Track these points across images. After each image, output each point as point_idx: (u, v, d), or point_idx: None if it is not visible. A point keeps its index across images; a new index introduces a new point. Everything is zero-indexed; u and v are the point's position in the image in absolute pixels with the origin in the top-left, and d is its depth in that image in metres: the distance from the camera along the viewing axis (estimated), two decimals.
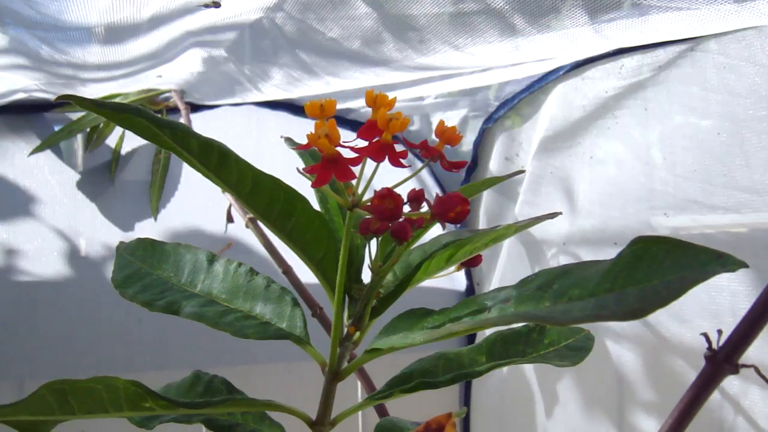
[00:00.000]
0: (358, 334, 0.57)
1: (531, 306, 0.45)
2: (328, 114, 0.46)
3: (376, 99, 0.47)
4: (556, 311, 0.42)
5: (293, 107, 1.64)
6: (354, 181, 0.48)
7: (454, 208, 0.45)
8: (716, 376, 0.46)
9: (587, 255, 1.32)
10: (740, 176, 1.01)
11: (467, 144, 1.70)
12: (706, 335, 0.46)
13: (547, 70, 1.34)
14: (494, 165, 1.61)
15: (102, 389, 0.50)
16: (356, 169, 0.47)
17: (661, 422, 1.09)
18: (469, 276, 1.75)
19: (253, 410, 0.63)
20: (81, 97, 0.46)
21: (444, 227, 0.48)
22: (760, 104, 0.97)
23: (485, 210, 1.68)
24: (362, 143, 0.47)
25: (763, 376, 0.45)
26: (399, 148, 0.48)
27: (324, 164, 0.45)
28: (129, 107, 0.46)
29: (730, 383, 1.04)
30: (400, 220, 0.46)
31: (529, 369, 1.52)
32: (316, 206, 0.60)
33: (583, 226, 1.32)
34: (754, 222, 1.00)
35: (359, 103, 1.59)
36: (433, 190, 1.76)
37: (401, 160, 0.46)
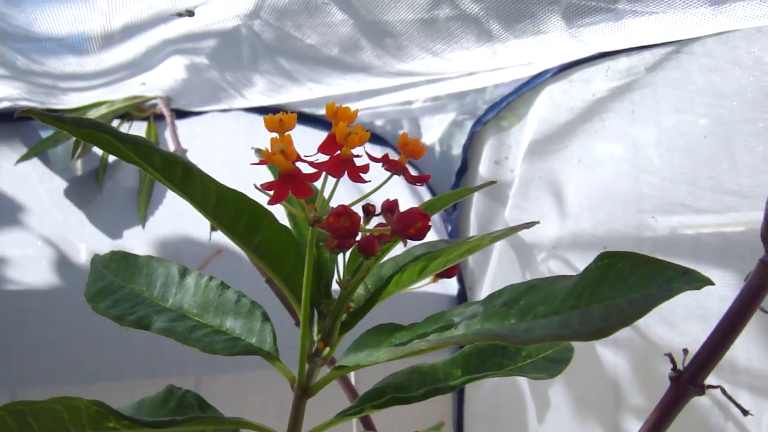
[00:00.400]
0: (327, 349, 0.56)
1: (496, 323, 0.44)
2: (287, 128, 0.45)
3: (337, 111, 0.46)
4: (519, 330, 0.41)
5: (281, 112, 1.63)
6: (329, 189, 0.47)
7: (414, 224, 0.44)
8: (681, 397, 0.44)
9: (576, 259, 1.32)
10: (727, 179, 1.00)
11: (457, 147, 1.70)
12: (670, 355, 0.45)
13: (534, 73, 1.34)
14: (483, 168, 1.60)
15: (63, 410, 0.49)
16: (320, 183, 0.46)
17: None
18: (461, 281, 1.75)
19: (222, 428, 0.61)
20: (41, 112, 0.45)
21: (405, 244, 0.47)
22: (746, 106, 0.97)
23: (476, 214, 1.67)
24: (322, 157, 0.46)
25: (729, 397, 0.44)
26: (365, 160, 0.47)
27: (281, 181, 0.44)
28: (89, 122, 0.46)
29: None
30: (358, 237, 0.45)
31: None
32: (285, 221, 0.58)
33: (573, 229, 1.31)
34: (741, 225, 1.00)
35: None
36: (425, 196, 1.75)
37: (361, 174, 0.44)
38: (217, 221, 0.52)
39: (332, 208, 0.45)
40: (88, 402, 0.49)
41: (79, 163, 1.59)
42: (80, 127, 0.45)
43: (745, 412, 0.45)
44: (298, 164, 0.45)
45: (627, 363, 1.22)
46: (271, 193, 0.44)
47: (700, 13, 0.79)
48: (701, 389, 0.44)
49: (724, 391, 0.43)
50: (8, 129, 1.53)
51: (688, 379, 0.44)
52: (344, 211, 0.44)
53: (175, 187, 0.50)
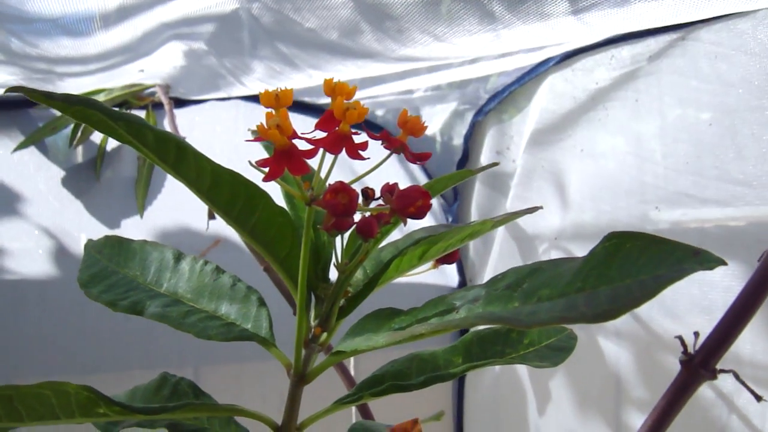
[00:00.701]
0: (324, 335, 0.55)
1: (499, 306, 0.43)
2: (284, 104, 0.44)
3: (334, 88, 0.44)
4: (523, 312, 0.40)
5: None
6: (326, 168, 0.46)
7: (414, 203, 0.43)
8: (692, 382, 0.43)
9: (579, 250, 1.30)
10: (733, 169, 0.99)
11: (458, 137, 1.68)
12: (680, 338, 0.43)
13: (536, 61, 1.32)
14: (485, 158, 1.59)
15: (51, 395, 0.48)
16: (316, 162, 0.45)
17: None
18: (461, 271, 1.73)
19: (217, 414, 0.60)
20: (31, 89, 0.43)
21: (405, 223, 0.46)
22: (753, 94, 0.95)
23: (477, 205, 1.66)
24: (321, 134, 0.44)
25: (743, 382, 0.43)
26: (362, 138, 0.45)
27: (277, 157, 0.42)
28: (80, 99, 0.44)
29: (724, 381, 1.02)
30: (359, 215, 0.44)
31: (522, 368, 1.50)
32: (282, 203, 0.57)
33: (575, 220, 1.30)
34: (747, 215, 0.98)
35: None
36: (420, 178, 1.74)
37: (360, 151, 0.43)
38: (213, 202, 0.51)
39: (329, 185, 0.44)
40: (78, 387, 0.48)
41: (77, 152, 1.58)
42: (71, 105, 0.44)
43: (758, 398, 0.44)
44: (295, 141, 0.44)
45: (629, 354, 1.20)
46: (267, 170, 0.43)
47: None
48: (713, 373, 0.42)
49: (737, 376, 0.42)
50: (5, 117, 1.52)
51: (700, 363, 0.42)
52: (342, 187, 0.42)
53: (168, 167, 0.48)
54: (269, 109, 0.44)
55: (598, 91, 1.23)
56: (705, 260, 0.36)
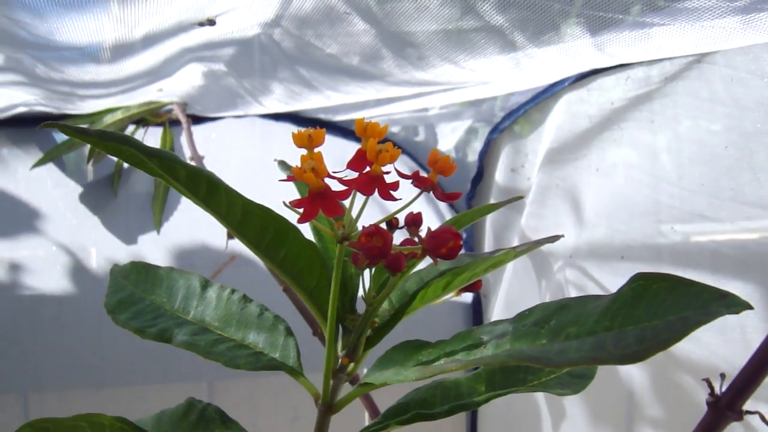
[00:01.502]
0: (352, 365, 0.56)
1: (527, 343, 0.44)
2: (316, 144, 0.45)
3: (366, 128, 0.45)
4: (552, 351, 0.41)
5: (298, 119, 1.64)
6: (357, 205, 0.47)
7: (446, 244, 0.44)
8: (719, 423, 0.44)
9: (594, 268, 1.31)
10: (748, 191, 0.99)
11: (473, 154, 1.69)
12: (708, 381, 0.44)
13: (552, 81, 1.33)
14: (500, 176, 1.60)
15: (87, 426, 0.49)
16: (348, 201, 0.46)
17: None
18: None
19: None
20: (66, 125, 0.44)
21: (436, 263, 0.47)
22: None
23: (491, 222, 1.67)
24: (352, 174, 0.45)
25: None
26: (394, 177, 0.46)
27: (311, 198, 0.43)
28: (114, 135, 0.45)
29: (756, 408, 1.02)
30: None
31: None
32: (310, 234, 0.58)
33: (590, 239, 1.31)
34: (762, 237, 0.99)
35: (364, 114, 1.58)
36: (440, 205, 1.74)
37: (392, 192, 0.44)
38: (242, 236, 0.52)
39: (361, 226, 0.45)
40: (112, 419, 0.49)
41: (94, 169, 1.59)
42: (104, 140, 0.45)
43: None
44: (327, 180, 0.45)
45: (643, 373, 1.21)
46: (301, 210, 0.44)
47: (728, 25, 0.78)
48: (739, 415, 0.43)
49: (763, 417, 0.43)
50: (24, 134, 1.54)
51: (726, 404, 0.43)
52: (376, 231, 0.43)
53: (199, 201, 0.50)
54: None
55: (614, 111, 1.23)
56: (732, 304, 0.37)
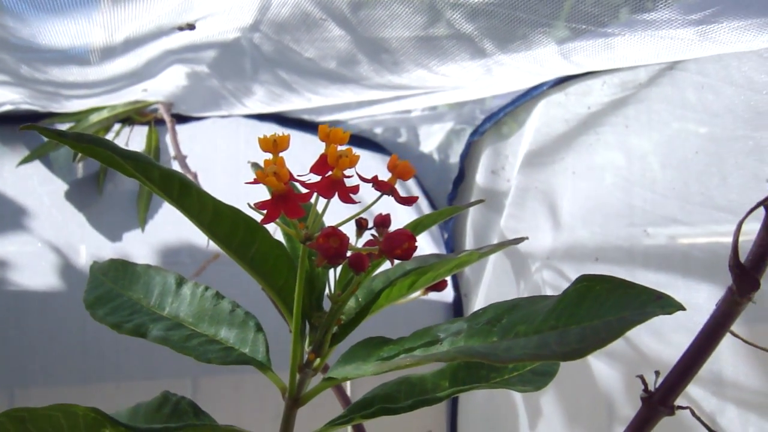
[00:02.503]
0: (318, 360, 0.58)
1: (479, 340, 0.46)
2: (281, 149, 0.47)
3: (329, 134, 0.47)
4: (500, 348, 0.43)
5: (282, 119, 1.66)
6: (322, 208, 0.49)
7: (400, 245, 0.46)
8: (651, 418, 0.46)
9: (570, 269, 1.33)
10: (717, 195, 1.02)
11: (454, 156, 1.71)
12: (642, 377, 0.47)
13: (523, 87, 1.36)
14: (480, 178, 1.62)
15: (61, 416, 0.51)
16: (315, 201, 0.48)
17: None
18: (456, 288, 1.76)
19: None
20: (44, 128, 0.46)
21: (392, 263, 0.49)
22: (737, 124, 0.98)
23: (472, 223, 1.69)
24: (315, 178, 0.47)
25: (698, 418, 0.46)
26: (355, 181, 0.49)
27: (274, 201, 0.45)
28: (90, 138, 0.47)
29: (707, 401, 1.04)
30: (347, 256, 0.47)
31: None
32: (280, 235, 0.60)
33: (567, 240, 1.33)
34: (730, 240, 1.01)
35: (347, 116, 1.61)
36: (423, 204, 1.76)
37: (351, 195, 0.46)
38: (213, 235, 0.54)
39: (323, 227, 0.47)
40: (86, 409, 0.51)
41: (80, 166, 1.61)
42: (81, 143, 0.47)
43: None
44: (292, 183, 0.47)
45: (618, 374, 1.23)
46: (264, 211, 0.46)
47: (685, 36, 0.81)
48: (671, 410, 0.45)
49: (693, 413, 0.45)
50: (10, 132, 1.55)
51: (659, 400, 0.46)
52: (333, 232, 0.45)
53: (173, 201, 0.52)
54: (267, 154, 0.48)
55: (590, 115, 1.26)
56: (666, 305, 0.39)
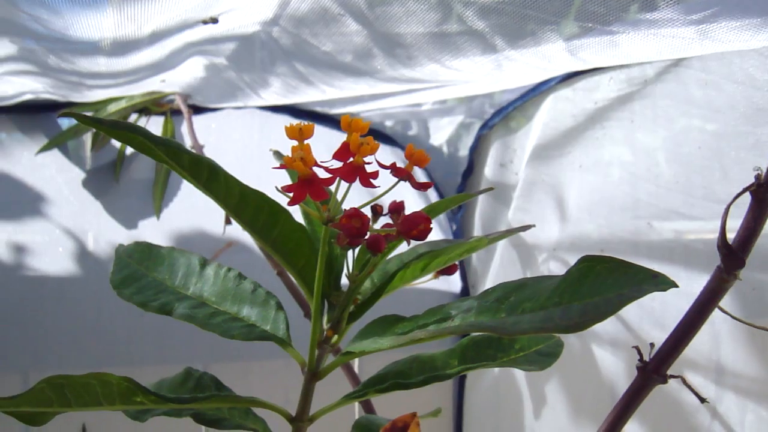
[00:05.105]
0: (335, 337, 0.62)
1: (488, 316, 0.50)
2: (306, 137, 0.51)
3: (350, 123, 0.51)
4: (508, 322, 0.46)
5: (295, 111, 1.68)
6: (341, 193, 0.52)
7: (417, 227, 0.50)
8: (646, 385, 0.50)
9: (575, 260, 1.35)
10: (719, 189, 1.04)
11: (464, 149, 1.74)
12: (637, 348, 0.50)
13: (532, 81, 1.38)
14: (489, 170, 1.65)
15: (97, 384, 0.54)
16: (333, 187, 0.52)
17: (643, 427, 1.12)
18: (464, 278, 1.79)
19: (238, 406, 0.67)
20: (82, 115, 0.50)
21: (408, 243, 0.52)
22: (738, 121, 1.01)
23: (480, 214, 1.71)
24: (337, 164, 0.51)
25: (689, 386, 0.49)
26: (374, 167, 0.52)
27: (300, 184, 0.49)
28: (126, 125, 0.50)
29: (706, 389, 1.07)
30: (367, 236, 0.51)
31: (519, 372, 1.56)
32: (300, 218, 0.64)
33: (573, 232, 1.36)
34: (731, 233, 1.03)
35: (359, 108, 1.64)
36: (432, 195, 1.79)
37: (372, 180, 0.50)
38: (239, 218, 0.57)
39: (344, 209, 0.50)
40: (119, 378, 0.55)
41: (97, 155, 1.63)
42: (117, 129, 0.50)
43: (702, 400, 0.50)
44: (315, 169, 0.51)
45: (621, 362, 1.26)
46: (291, 194, 0.50)
47: (686, 35, 0.84)
48: (664, 378, 0.49)
49: (684, 381, 0.49)
50: (30, 121, 1.57)
51: (653, 369, 0.49)
52: (355, 213, 0.49)
53: (200, 186, 0.55)
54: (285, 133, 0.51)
55: (597, 110, 1.28)
56: (661, 282, 0.42)
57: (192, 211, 1.66)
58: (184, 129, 1.59)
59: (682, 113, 1.11)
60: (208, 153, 1.49)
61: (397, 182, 0.54)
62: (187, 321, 0.64)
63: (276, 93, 1.38)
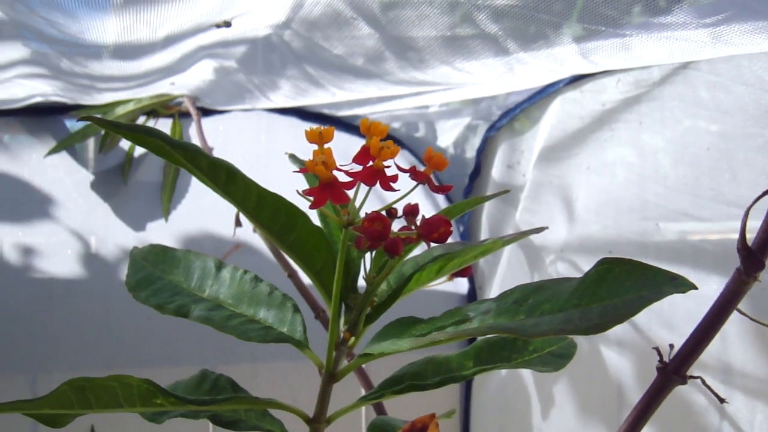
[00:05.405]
0: (353, 339, 0.62)
1: (507, 318, 0.50)
2: (326, 140, 0.51)
3: (369, 127, 0.51)
4: (527, 324, 0.47)
5: (302, 113, 1.69)
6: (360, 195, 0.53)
7: (437, 230, 0.50)
8: (666, 386, 0.50)
9: (583, 262, 1.36)
10: (728, 191, 1.05)
11: (471, 150, 1.75)
12: (657, 349, 0.51)
13: (542, 83, 1.39)
14: (496, 172, 1.65)
15: (118, 386, 0.55)
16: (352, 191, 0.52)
17: (653, 427, 1.13)
18: (471, 280, 1.79)
19: (255, 407, 0.67)
20: (100, 118, 0.50)
21: (429, 246, 0.53)
22: (747, 122, 1.01)
23: (487, 216, 1.72)
24: (357, 167, 0.51)
25: (708, 387, 0.50)
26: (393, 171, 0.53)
27: (321, 188, 0.49)
28: (144, 128, 0.51)
29: (717, 389, 1.08)
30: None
31: (527, 373, 1.56)
32: (317, 220, 0.64)
33: (580, 234, 1.36)
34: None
35: (367, 110, 1.64)
36: (439, 199, 1.80)
37: (391, 183, 0.50)
38: (257, 220, 0.58)
39: (365, 213, 0.51)
40: (140, 380, 0.55)
41: (105, 157, 1.64)
42: (135, 133, 0.51)
43: (721, 400, 0.51)
44: (335, 173, 0.51)
45: (629, 363, 1.26)
46: (311, 198, 0.50)
47: (698, 38, 0.84)
48: (684, 379, 0.50)
49: (703, 381, 0.49)
50: (39, 123, 1.58)
51: (673, 370, 0.50)
52: (377, 216, 0.49)
53: (219, 189, 0.55)
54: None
55: (605, 112, 1.29)
56: (680, 284, 0.43)
57: (200, 213, 1.66)
58: (192, 131, 1.60)
59: (690, 115, 1.11)
60: (217, 155, 1.50)
61: (416, 186, 0.54)
62: (204, 323, 0.65)
63: (285, 95, 1.39)
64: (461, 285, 1.80)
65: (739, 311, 0.49)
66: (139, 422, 0.65)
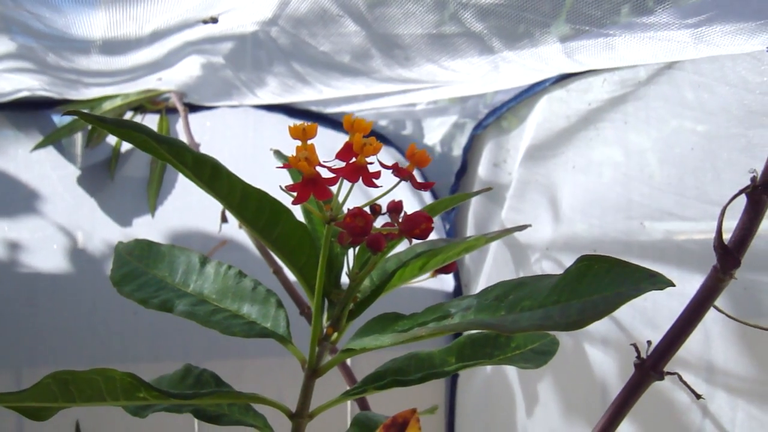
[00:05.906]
0: (335, 334, 0.62)
1: (488, 315, 0.50)
2: (309, 137, 0.51)
3: (353, 124, 0.51)
4: (508, 320, 0.47)
5: (289, 110, 1.69)
6: (343, 191, 0.53)
7: (419, 226, 0.50)
8: (643, 382, 0.51)
9: (568, 260, 1.35)
10: (711, 190, 1.05)
11: (457, 149, 1.75)
12: (635, 345, 0.51)
13: (528, 82, 1.39)
14: (482, 170, 1.65)
15: (101, 380, 0.55)
16: (335, 187, 0.52)
17: (636, 425, 1.13)
18: (457, 278, 1.80)
19: (239, 402, 0.67)
20: (85, 113, 0.50)
21: (411, 242, 0.53)
22: (731, 123, 1.02)
23: (473, 214, 1.72)
24: (340, 164, 0.52)
25: (684, 383, 0.50)
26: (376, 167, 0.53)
27: (304, 184, 0.50)
28: (130, 123, 0.51)
29: (698, 387, 1.08)
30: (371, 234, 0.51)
31: (511, 370, 1.57)
32: (301, 217, 0.64)
33: (566, 232, 1.36)
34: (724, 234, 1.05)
35: (354, 108, 1.64)
36: (426, 196, 1.80)
37: (375, 180, 0.50)
38: (241, 216, 0.58)
39: (347, 209, 0.51)
40: (123, 374, 0.55)
41: (92, 152, 1.64)
42: (120, 128, 0.51)
43: (698, 396, 0.52)
44: (318, 169, 0.51)
45: (612, 361, 1.27)
46: (294, 194, 0.50)
47: (681, 39, 0.85)
48: (661, 375, 0.50)
49: (680, 377, 0.50)
50: (25, 118, 1.57)
51: (650, 366, 0.51)
52: (359, 212, 0.50)
53: (203, 184, 0.56)
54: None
55: (590, 111, 1.29)
56: (658, 281, 0.43)
57: (187, 209, 1.66)
58: (179, 127, 1.59)
59: (674, 115, 1.12)
60: (203, 151, 1.50)
61: (398, 182, 0.55)
62: (188, 318, 0.65)
63: (272, 92, 1.39)
64: (447, 282, 1.81)
65: (717, 308, 0.50)
66: (124, 418, 0.65)
